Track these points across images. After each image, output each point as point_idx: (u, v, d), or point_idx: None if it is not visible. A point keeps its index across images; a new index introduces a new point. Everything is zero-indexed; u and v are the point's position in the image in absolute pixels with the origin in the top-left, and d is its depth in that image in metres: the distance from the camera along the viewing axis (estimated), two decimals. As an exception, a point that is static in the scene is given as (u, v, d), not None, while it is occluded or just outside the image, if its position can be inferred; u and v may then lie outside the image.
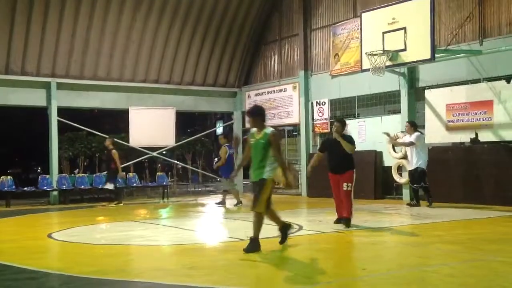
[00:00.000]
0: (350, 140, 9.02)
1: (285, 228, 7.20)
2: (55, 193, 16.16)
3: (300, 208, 13.90)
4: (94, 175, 17.19)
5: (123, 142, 17.95)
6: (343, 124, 9.08)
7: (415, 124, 12.27)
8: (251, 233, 6.88)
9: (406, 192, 13.74)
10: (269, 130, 6.89)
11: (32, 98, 16.27)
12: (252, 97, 18.93)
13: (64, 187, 16.19)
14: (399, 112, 14.23)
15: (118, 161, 14.73)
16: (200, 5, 17.59)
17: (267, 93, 18.36)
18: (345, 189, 8.78)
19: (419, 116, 13.73)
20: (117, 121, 24.30)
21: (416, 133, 12.04)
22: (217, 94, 19.47)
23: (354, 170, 8.92)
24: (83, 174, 17.44)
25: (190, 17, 17.71)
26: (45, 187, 16.03)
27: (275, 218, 7.17)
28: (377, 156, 14.67)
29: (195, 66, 18.68)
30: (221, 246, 7.92)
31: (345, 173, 8.83)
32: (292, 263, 6.32)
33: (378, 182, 14.60)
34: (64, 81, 16.43)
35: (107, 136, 16.48)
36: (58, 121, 16.43)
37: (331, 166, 9.03)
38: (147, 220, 11.43)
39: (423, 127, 13.27)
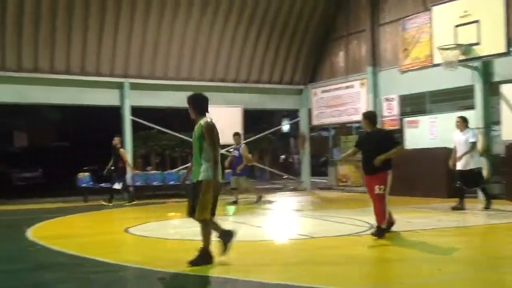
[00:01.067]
0: (388, 138, 7.83)
1: (225, 236, 6.26)
2: (130, 189, 16.75)
3: (369, 207, 13.68)
4: (165, 172, 17.67)
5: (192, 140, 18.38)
6: (371, 119, 7.91)
7: (467, 120, 11.28)
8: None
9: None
10: (204, 120, 6.06)
11: (107, 98, 16.92)
12: (318, 94, 18.84)
13: (138, 183, 16.79)
14: (472, 107, 13.74)
15: (127, 159, 14.99)
16: (266, 3, 17.69)
17: (334, 90, 18.21)
18: (376, 192, 7.57)
19: (494, 112, 13.20)
20: (186, 119, 24.79)
21: (472, 130, 11.13)
22: (283, 92, 19.52)
23: (390, 171, 7.62)
24: (156, 171, 17.95)
25: (256, 16, 17.86)
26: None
27: (214, 224, 6.31)
28: (449, 154, 14.21)
29: (261, 64, 18.81)
30: (291, 243, 7.97)
31: (377, 174, 7.58)
32: (362, 262, 6.26)
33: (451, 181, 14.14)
34: (136, 81, 16.99)
35: (177, 134, 16.96)
36: (131, 120, 17.02)
37: (363, 165, 7.94)
38: (216, 216, 11.61)
39: (498, 123, 12.73)
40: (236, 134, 14.29)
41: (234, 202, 13.76)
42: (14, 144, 34.61)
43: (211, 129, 6.01)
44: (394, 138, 8.00)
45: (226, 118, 18.16)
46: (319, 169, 23.36)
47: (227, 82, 18.47)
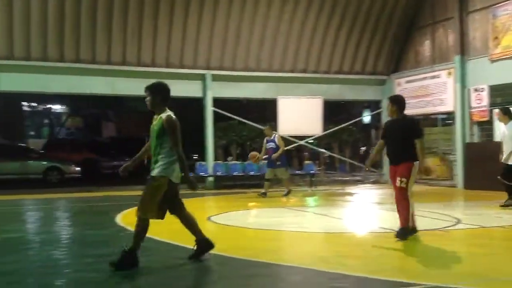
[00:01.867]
0: (412, 127, 7.09)
1: (202, 243, 5.84)
2: (211, 179, 17.16)
3: (456, 201, 13.25)
4: (246, 163, 17.91)
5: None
6: (399, 105, 7.19)
7: (509, 111, 10.32)
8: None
9: None
10: (165, 114, 5.57)
11: (190, 89, 17.35)
12: (402, 85, 18.34)
13: (218, 173, 17.17)
14: None
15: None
16: (349, -8, 17.44)
17: (419, 80, 17.65)
18: (397, 184, 6.87)
19: None
20: (264, 110, 25.04)
21: None
22: (365, 82, 19.17)
23: (416, 163, 6.91)
24: (236, 162, 18.25)
25: (338, 4, 17.61)
26: (202, 173, 17.10)
27: (192, 227, 5.84)
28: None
29: (342, 54, 18.57)
30: (372, 236, 7.85)
31: (400, 164, 6.92)
32: (450, 257, 6.07)
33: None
34: (218, 72, 17.30)
35: (257, 125, 17.05)
36: (213, 111, 17.38)
37: (387, 154, 7.29)
38: (297, 207, 11.67)
39: None
40: (267, 126, 14.27)
41: (263, 194, 13.50)
42: (103, 134, 36.38)
43: (173, 124, 5.50)
44: (417, 129, 7.22)
45: (306, 109, 18.15)
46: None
47: (307, 73, 18.39)
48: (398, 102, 7.22)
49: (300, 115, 17.96)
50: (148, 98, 5.71)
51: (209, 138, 17.39)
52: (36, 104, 32.74)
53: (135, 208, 5.69)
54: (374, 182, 18.93)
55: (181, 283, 5.01)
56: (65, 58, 15.69)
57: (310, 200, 13.85)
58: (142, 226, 5.57)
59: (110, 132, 36.37)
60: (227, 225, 8.83)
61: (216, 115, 17.79)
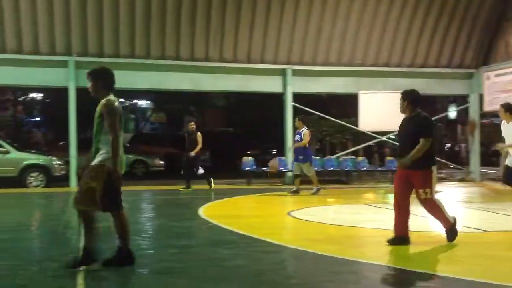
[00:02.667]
0: (423, 124, 6.20)
1: (123, 253, 5.25)
2: (290, 174, 17.16)
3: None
4: (325, 158, 17.79)
5: (352, 126, 18.27)
6: (409, 98, 6.34)
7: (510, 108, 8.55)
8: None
9: None
10: (106, 98, 5.13)
11: (270, 84, 17.43)
12: (491, 78, 17.46)
13: (297, 168, 17.12)
14: None
15: (200, 143, 14.09)
16: (435, -17, 16.82)
17: (510, 74, 16.74)
18: (422, 197, 6.19)
19: None
20: (344, 105, 24.71)
21: None
22: (451, 76, 18.43)
23: (433, 167, 6.18)
24: (315, 157, 18.15)
25: (423, -4, 17.06)
26: (281, 168, 17.14)
27: (122, 231, 5.27)
28: None
29: (427, 47, 17.94)
30: (460, 235, 7.52)
31: (414, 170, 6.12)
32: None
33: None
34: (298, 67, 17.26)
35: (338, 121, 16.87)
36: (293, 106, 17.37)
37: (397, 156, 6.57)
38: (377, 204, 11.45)
39: None
40: (298, 118, 13.57)
41: (295, 192, 12.98)
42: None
43: (111, 108, 5.06)
44: (427, 126, 6.23)
45: (388, 104, 17.69)
46: (489, 158, 21.73)
47: (390, 67, 17.94)
48: (409, 96, 6.34)
49: (381, 110, 17.55)
50: (90, 84, 5.30)
51: (289, 134, 17.39)
52: (123, 100, 34.17)
53: (217, 201, 5.78)
54: (460, 180, 18.20)
55: (264, 278, 5.04)
56: (151, 55, 16.25)
57: (392, 197, 13.52)
58: (83, 218, 5.14)
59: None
60: (307, 220, 8.80)
61: (296, 110, 17.77)
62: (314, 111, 18.45)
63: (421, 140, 6.02)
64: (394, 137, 19.72)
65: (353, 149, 18.99)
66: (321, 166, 17.33)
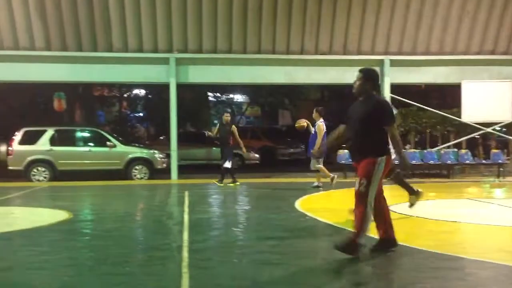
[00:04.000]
0: (382, 110, 5.29)
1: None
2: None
3: None
4: (425, 151, 17.19)
5: (455, 117, 17.51)
6: (368, 79, 5.43)
7: None
8: None
9: None
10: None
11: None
12: None
13: (396, 162, 16.63)
14: None
15: (237, 136, 13.56)
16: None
17: None
18: (356, 188, 5.25)
19: None
20: (445, 96, 23.71)
21: None
22: None
23: (381, 158, 5.21)
24: (414, 150, 17.60)
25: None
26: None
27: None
28: None
29: (540, 31, 16.78)
30: None
31: (361, 161, 5.29)
32: None
33: None
34: (396, 57, 16.78)
35: (438, 112, 16.19)
36: (391, 97, 16.92)
37: (348, 147, 5.75)
38: (482, 198, 10.90)
39: None
40: (315, 110, 12.64)
41: (317, 187, 12.46)
42: (279, 122, 37.55)
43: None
44: (387, 112, 5.29)
45: (493, 94, 16.78)
46: None
47: (496, 54, 16.97)
48: (368, 75, 5.43)
49: (486, 101, 16.68)
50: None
51: (386, 126, 16.97)
52: (220, 94, 34.95)
53: (313, 194, 5.79)
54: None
55: (363, 271, 4.98)
56: (248, 50, 16.51)
57: (497, 191, 12.82)
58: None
59: (286, 120, 37.42)
60: (406, 215, 8.55)
61: (394, 102, 17.29)
62: (413, 102, 17.88)
63: (388, 130, 5.22)
64: (499, 128, 18.70)
65: (455, 141, 18.18)
66: (420, 159, 16.77)
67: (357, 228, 5.17)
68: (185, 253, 5.57)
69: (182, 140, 18.47)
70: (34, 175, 15.57)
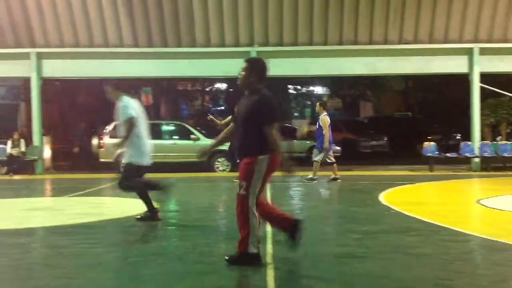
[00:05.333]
0: (260, 107, 4.77)
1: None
2: (477, 160, 16.05)
3: None
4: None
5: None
6: (253, 71, 4.88)
7: None
8: None
9: None
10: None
11: (454, 65, 16.40)
12: None
13: (486, 154, 15.97)
14: None
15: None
16: None
17: None
18: (237, 191, 4.78)
19: None
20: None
21: None
22: None
23: (260, 157, 4.71)
24: (506, 142, 16.73)
25: None
26: (467, 154, 16.11)
27: None
28: None
29: None
30: None
31: (243, 159, 4.82)
32: None
33: None
34: (487, 45, 15.99)
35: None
36: (480, 87, 16.17)
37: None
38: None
39: None
40: (319, 103, 12.74)
41: (334, 179, 12.40)
42: (360, 114, 36.92)
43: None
44: (265, 110, 4.74)
45: None
46: None
47: None
48: (254, 66, 4.91)
49: None
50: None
51: (476, 116, 16.25)
52: (300, 87, 34.87)
53: (398, 188, 5.63)
54: None
55: (452, 267, 4.79)
56: (329, 41, 16.33)
57: None
58: None
59: (368, 112, 36.73)
60: (499, 209, 8.14)
61: (484, 92, 16.52)
62: (505, 92, 16.97)
63: (265, 130, 4.68)
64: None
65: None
66: (512, 152, 15.94)
67: (242, 235, 4.74)
68: (269, 245, 5.60)
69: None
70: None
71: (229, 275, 4.56)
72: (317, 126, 12.47)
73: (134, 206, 8.88)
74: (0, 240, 6.17)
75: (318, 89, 39.32)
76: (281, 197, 10.20)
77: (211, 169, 16.21)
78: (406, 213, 7.62)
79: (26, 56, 16.21)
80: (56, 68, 16.55)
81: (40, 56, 16.27)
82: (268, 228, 6.54)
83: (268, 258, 5.02)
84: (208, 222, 7.55)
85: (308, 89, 36.84)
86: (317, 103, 12.98)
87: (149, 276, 4.55)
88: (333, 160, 12.57)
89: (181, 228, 7.15)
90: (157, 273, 4.68)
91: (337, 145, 21.73)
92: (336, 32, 16.21)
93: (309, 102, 40.75)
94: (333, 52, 16.37)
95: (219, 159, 16.45)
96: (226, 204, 9.95)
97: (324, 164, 12.80)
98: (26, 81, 18.06)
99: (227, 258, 4.85)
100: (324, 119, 12.17)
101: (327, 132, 12.09)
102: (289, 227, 4.97)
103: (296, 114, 40.32)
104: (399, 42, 16.21)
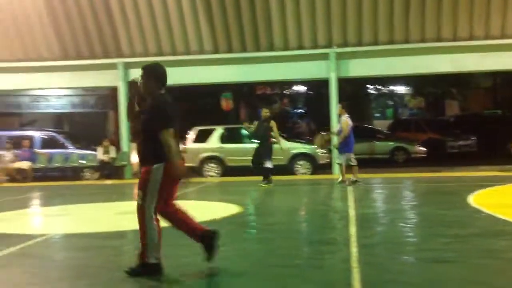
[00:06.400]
0: (153, 114, 4.63)
1: None
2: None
3: None
4: None
5: None
6: (150, 77, 4.70)
7: None
8: None
9: None
10: None
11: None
12: None
13: None
14: None
15: (277, 132, 12.61)
16: None
17: None
18: (136, 201, 4.68)
19: None
20: None
21: None
22: None
23: (155, 166, 4.57)
24: None
25: None
26: None
27: None
28: None
29: None
30: None
31: (142, 168, 4.73)
32: None
33: None
34: None
35: None
36: None
37: None
38: None
39: None
40: (340, 105, 12.73)
41: (355, 182, 12.17)
42: (446, 112, 35.61)
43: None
44: (156, 115, 4.58)
45: None
46: None
47: None
48: (149, 72, 4.73)
49: None
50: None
51: None
52: (381, 87, 34.19)
53: (489, 189, 5.38)
54: None
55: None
56: (410, 39, 15.91)
57: None
58: None
59: (453, 110, 35.38)
60: None
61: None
62: None
63: (160, 135, 4.53)
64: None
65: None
66: None
67: (142, 246, 4.68)
68: (353, 248, 5.53)
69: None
70: (207, 171, 16.62)
71: (312, 279, 4.54)
72: (339, 128, 12.56)
73: (216, 210, 9.08)
74: (96, 242, 6.49)
75: (400, 89, 38.36)
76: (365, 199, 10.04)
77: (291, 172, 16.22)
78: (498, 215, 7.26)
79: (113, 66, 17.00)
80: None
81: (127, 66, 17.00)
82: (352, 231, 6.47)
83: (353, 262, 4.96)
84: (290, 225, 7.57)
85: (389, 88, 36.02)
86: (339, 105, 13.06)
87: (232, 278, 4.63)
88: (355, 162, 12.48)
89: (261, 231, 7.22)
90: (241, 273, 4.76)
91: (421, 146, 21.16)
92: (417, 29, 15.75)
93: (390, 102, 39.86)
94: (416, 50, 15.91)
95: (300, 162, 16.43)
96: (307, 207, 9.95)
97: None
98: (114, 90, 18.94)
99: (126, 270, 4.74)
100: (345, 121, 12.24)
101: (345, 134, 12.17)
102: (203, 239, 4.84)
103: (377, 114, 39.55)
104: (486, 38, 15.50)
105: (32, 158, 16.95)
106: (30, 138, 17.48)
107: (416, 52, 15.94)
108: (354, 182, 12.29)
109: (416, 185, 12.79)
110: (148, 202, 4.60)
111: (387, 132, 24.22)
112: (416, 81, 31.74)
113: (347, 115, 12.34)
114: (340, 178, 12.56)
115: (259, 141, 12.95)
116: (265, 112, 13.07)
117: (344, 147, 12.34)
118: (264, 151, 12.67)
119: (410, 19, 15.70)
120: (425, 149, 20.96)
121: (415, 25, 15.71)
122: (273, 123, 12.71)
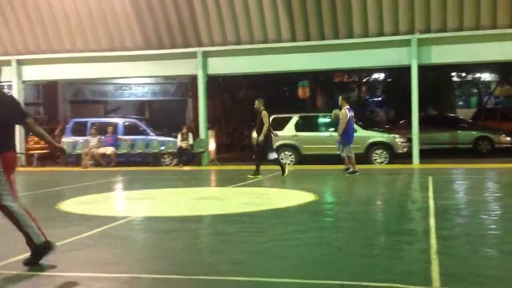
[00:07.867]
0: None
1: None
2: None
3: None
4: None
5: None
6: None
7: None
8: None
9: None
10: None
11: None
12: None
13: None
14: None
15: (267, 122, 12.20)
16: None
17: None
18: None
19: None
20: None
21: None
22: None
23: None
24: None
25: None
26: None
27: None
28: None
29: None
30: None
31: None
32: None
33: None
34: None
35: None
36: None
37: None
38: None
39: None
40: (341, 97, 13.05)
41: (353, 172, 12.41)
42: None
43: None
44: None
45: None
46: None
47: None
48: None
49: None
50: None
51: None
52: (465, 74, 32.74)
53: None
54: None
55: None
56: (498, 24, 15.16)
57: None
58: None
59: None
60: None
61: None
62: None
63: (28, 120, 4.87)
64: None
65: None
66: None
67: (23, 234, 4.69)
68: (433, 240, 5.38)
69: (424, 123, 17.82)
70: (281, 159, 16.65)
71: (391, 269, 4.46)
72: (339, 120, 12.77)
73: (293, 197, 9.11)
74: (176, 225, 6.71)
75: (485, 76, 36.61)
76: (445, 190, 9.73)
77: (368, 161, 15.96)
78: None
79: (193, 55, 17.36)
80: (220, 65, 17.49)
81: (205, 55, 17.32)
82: (431, 222, 6.30)
83: (433, 253, 4.83)
84: (368, 215, 7.47)
85: (474, 75, 34.44)
86: (340, 97, 13.30)
87: (311, 266, 4.64)
88: (352, 154, 12.68)
89: (339, 219, 7.17)
90: (319, 261, 4.77)
91: (507, 136, 20.11)
92: (506, 14, 14.93)
93: (475, 90, 38.18)
94: (504, 35, 15.10)
95: (377, 151, 16.14)
96: (384, 196, 9.77)
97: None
98: (193, 78, 19.34)
99: (25, 262, 4.69)
100: (343, 112, 12.46)
101: (342, 125, 12.40)
102: (36, 246, 4.69)
103: (460, 103, 37.99)
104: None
105: (116, 144, 17.70)
106: (114, 125, 18.24)
107: (504, 38, 15.14)
108: (345, 170, 12.68)
109: (500, 176, 12.22)
110: (1, 192, 4.64)
111: (471, 121, 23.23)
112: (503, 68, 30.13)
113: (348, 107, 12.62)
114: (351, 169, 12.59)
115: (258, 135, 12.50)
116: (257, 104, 12.48)
117: (345, 139, 12.58)
118: (264, 144, 12.34)
119: (498, 3, 14.91)
120: (511, 139, 19.95)
121: (503, 10, 14.90)
122: (264, 114, 12.20)
